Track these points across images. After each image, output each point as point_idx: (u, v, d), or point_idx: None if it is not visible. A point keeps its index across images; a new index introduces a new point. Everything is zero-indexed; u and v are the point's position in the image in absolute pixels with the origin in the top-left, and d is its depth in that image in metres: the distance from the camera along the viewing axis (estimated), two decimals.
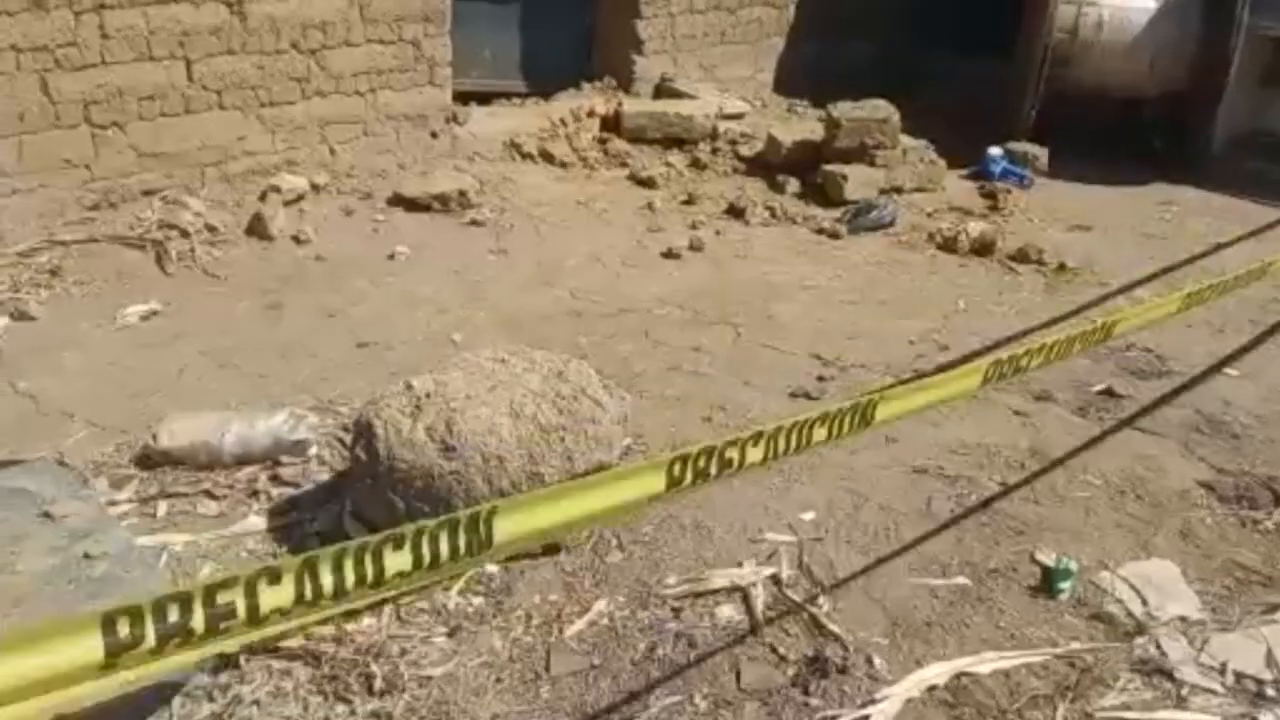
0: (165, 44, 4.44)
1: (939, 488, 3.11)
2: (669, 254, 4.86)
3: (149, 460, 2.95)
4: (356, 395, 3.44)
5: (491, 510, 1.40)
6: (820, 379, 3.78)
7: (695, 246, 4.94)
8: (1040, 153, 6.03)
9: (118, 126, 4.40)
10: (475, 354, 3.05)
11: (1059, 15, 5.89)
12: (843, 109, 5.65)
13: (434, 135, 5.62)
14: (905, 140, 5.77)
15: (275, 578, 1.21)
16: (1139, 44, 6.01)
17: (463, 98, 6.00)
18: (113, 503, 2.78)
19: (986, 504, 3.02)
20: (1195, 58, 6.00)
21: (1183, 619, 2.54)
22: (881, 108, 5.69)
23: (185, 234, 4.36)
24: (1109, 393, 3.69)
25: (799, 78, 7.28)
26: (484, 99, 6.24)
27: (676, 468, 1.64)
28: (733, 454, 1.72)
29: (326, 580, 1.24)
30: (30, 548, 2.31)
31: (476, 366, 2.94)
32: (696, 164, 5.97)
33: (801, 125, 6.42)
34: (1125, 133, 6.45)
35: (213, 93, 4.66)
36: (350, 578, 1.26)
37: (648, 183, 5.70)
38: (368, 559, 1.28)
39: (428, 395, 2.77)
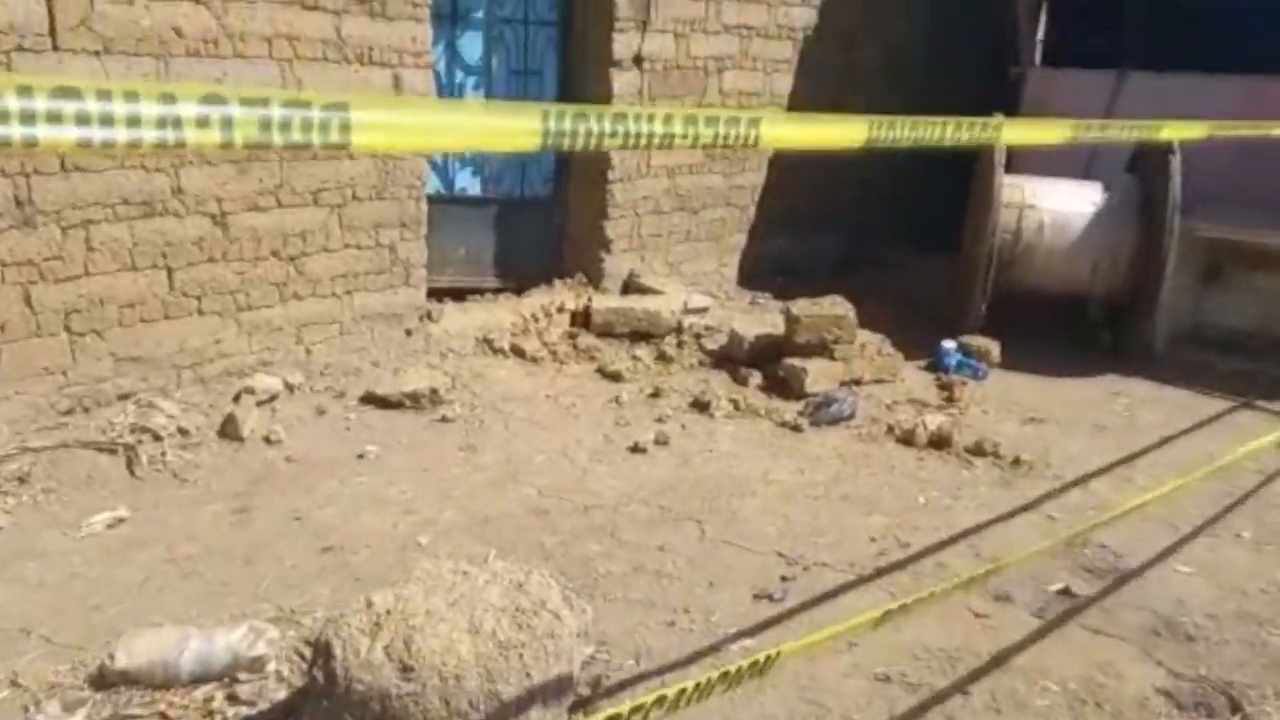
0: (148, 255, 4.63)
1: (901, 696, 3.11)
2: (635, 449, 4.95)
3: (104, 680, 2.92)
4: (319, 604, 3.45)
5: None
6: (784, 579, 3.81)
7: (661, 441, 5.04)
8: (992, 345, 6.26)
9: (97, 334, 4.53)
10: (437, 565, 3.07)
11: (1002, 218, 6.24)
12: (801, 306, 5.89)
13: (408, 333, 5.80)
14: (862, 334, 5.99)
15: None
16: (1080, 245, 6.36)
17: (437, 294, 6.23)
18: None
19: (950, 715, 3.02)
20: (1134, 258, 6.33)
21: None
22: (838, 304, 5.93)
23: (157, 437, 4.42)
24: (1066, 592, 3.74)
25: (761, 271, 7.63)
26: (458, 295, 6.48)
27: None
28: None
29: None
30: None
31: (438, 579, 2.96)
32: (663, 357, 6.15)
33: (763, 319, 6.67)
34: (1073, 326, 6.74)
35: (192, 299, 4.83)
36: None
37: (615, 376, 5.86)
38: None
39: (388, 612, 2.79)
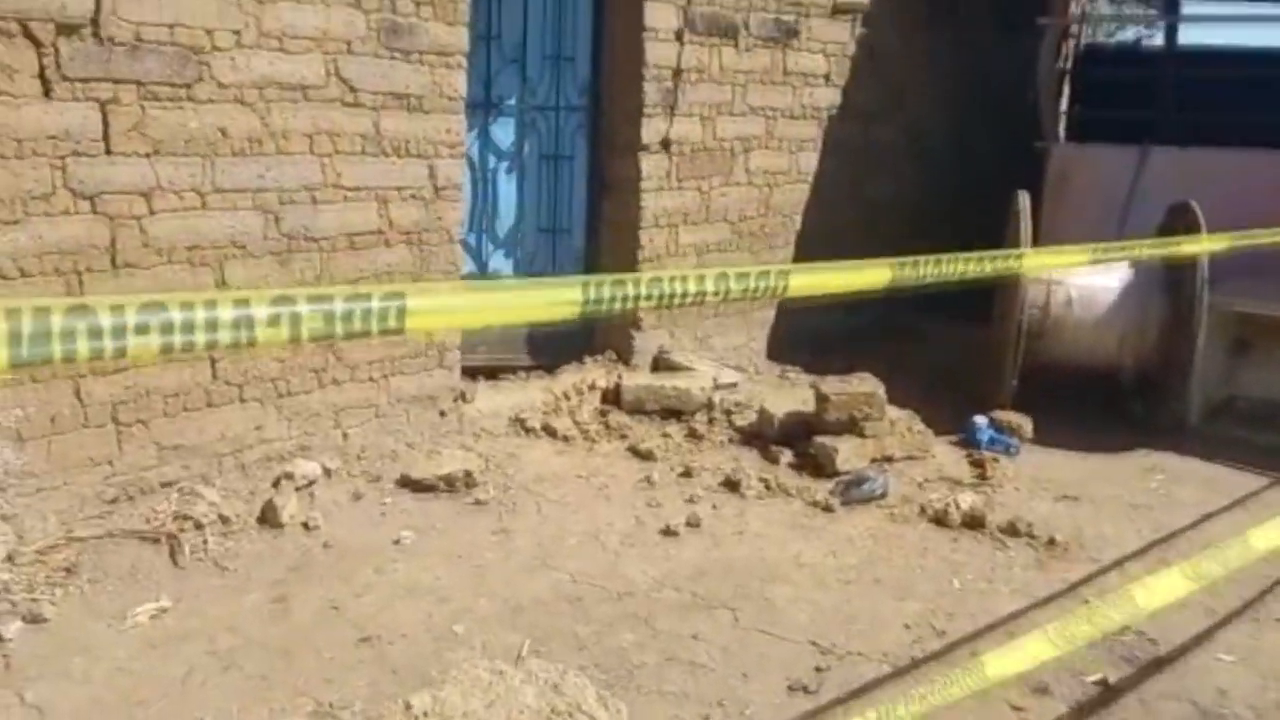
0: None
1: None
2: (667, 531, 4.97)
3: None
4: (357, 698, 3.48)
5: None
6: (818, 669, 3.81)
7: (692, 523, 5.06)
8: (1024, 421, 6.26)
9: (142, 424, 4.64)
10: (473, 664, 3.14)
11: (1030, 293, 6.28)
12: (831, 385, 5.93)
13: (442, 414, 5.89)
14: (892, 411, 6.02)
15: None
16: (1109, 318, 6.38)
17: (470, 372, 6.33)
18: None
19: None
20: (1163, 331, 6.34)
21: None
22: (868, 381, 5.97)
23: (199, 525, 4.51)
24: (1104, 683, 3.71)
25: (790, 345, 7.68)
26: (490, 373, 6.58)
27: None
28: None
29: None
30: None
31: (474, 679, 3.02)
32: (693, 435, 6.19)
33: (794, 393, 6.70)
34: (1105, 399, 6.73)
35: (235, 387, 4.95)
36: None
37: (646, 455, 5.90)
38: None
39: (425, 714, 2.84)
